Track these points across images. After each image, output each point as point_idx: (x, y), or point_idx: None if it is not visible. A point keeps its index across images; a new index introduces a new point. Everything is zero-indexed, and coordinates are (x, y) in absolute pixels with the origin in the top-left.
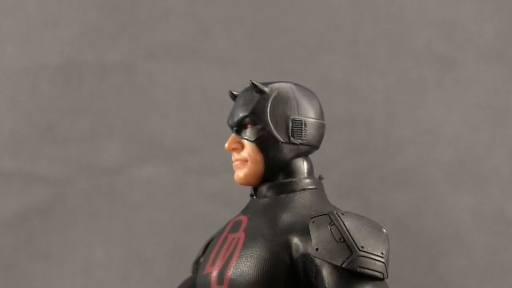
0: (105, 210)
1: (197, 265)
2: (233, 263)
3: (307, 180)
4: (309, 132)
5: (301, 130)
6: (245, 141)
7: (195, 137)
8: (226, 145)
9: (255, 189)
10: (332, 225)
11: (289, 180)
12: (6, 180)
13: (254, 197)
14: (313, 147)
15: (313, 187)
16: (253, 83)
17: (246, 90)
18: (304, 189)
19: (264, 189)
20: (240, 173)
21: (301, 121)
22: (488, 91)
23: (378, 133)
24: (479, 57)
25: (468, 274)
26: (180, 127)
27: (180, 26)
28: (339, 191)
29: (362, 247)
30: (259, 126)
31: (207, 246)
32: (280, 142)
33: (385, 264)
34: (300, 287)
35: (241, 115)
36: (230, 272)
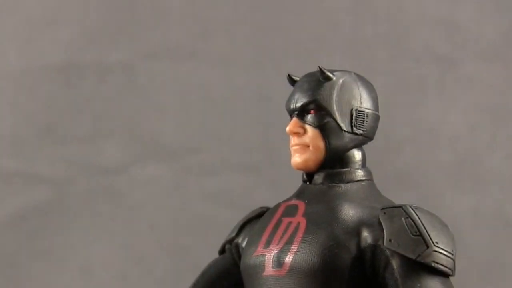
0: (105, 210)
1: (231, 245)
2: (295, 247)
3: (363, 171)
4: (369, 124)
5: (363, 120)
6: (308, 126)
7: (195, 137)
8: (288, 127)
9: (310, 175)
10: (407, 218)
11: (347, 169)
12: (6, 180)
13: (308, 183)
14: (369, 138)
15: (368, 178)
16: (321, 70)
17: (310, 75)
18: (361, 180)
19: (321, 176)
20: (299, 158)
21: (364, 112)
22: (488, 91)
23: (378, 133)
24: (479, 57)
25: (468, 274)
26: (180, 127)
27: (180, 26)
28: None
29: (437, 243)
30: (323, 113)
31: (242, 227)
32: (343, 131)
33: (454, 262)
34: (365, 277)
35: (306, 100)
36: (292, 257)
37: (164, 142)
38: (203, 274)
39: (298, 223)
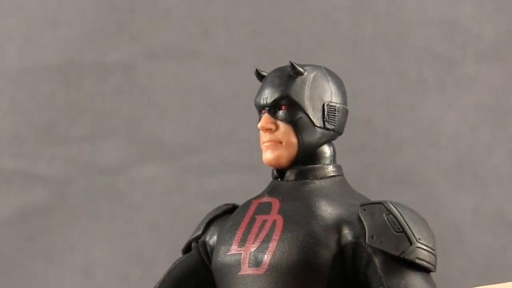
0: (105, 210)
1: (197, 243)
2: (273, 246)
3: (334, 167)
4: (339, 118)
5: (334, 115)
6: (280, 122)
7: (195, 137)
8: (260, 124)
9: (282, 171)
10: (388, 214)
11: (319, 165)
12: (6, 180)
13: (279, 179)
14: (339, 133)
15: (339, 174)
16: (292, 64)
17: (279, 70)
18: (333, 176)
19: (294, 172)
20: (271, 154)
21: (335, 106)
22: (488, 91)
23: (378, 133)
24: (479, 57)
25: (468, 274)
26: (180, 127)
27: (180, 26)
28: None
29: (419, 239)
30: (296, 108)
31: (208, 224)
32: (315, 127)
33: (436, 257)
34: (345, 275)
35: (278, 95)
36: (270, 255)
37: (164, 142)
38: (169, 272)
39: (274, 221)
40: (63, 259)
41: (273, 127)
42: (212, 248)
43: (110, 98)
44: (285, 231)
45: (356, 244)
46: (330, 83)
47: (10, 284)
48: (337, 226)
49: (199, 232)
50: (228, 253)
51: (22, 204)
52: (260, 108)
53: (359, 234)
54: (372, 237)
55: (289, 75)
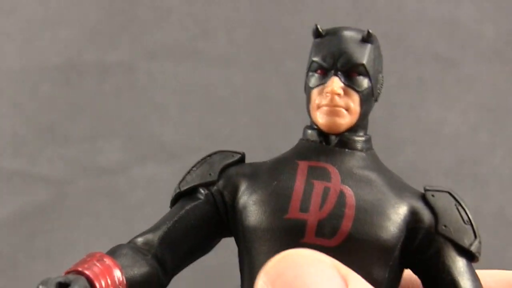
0: (105, 210)
1: (209, 190)
2: (348, 219)
3: (371, 140)
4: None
5: (381, 88)
6: (350, 90)
7: (195, 137)
8: (332, 87)
9: (327, 136)
10: (458, 205)
11: (367, 136)
12: (6, 180)
13: (323, 143)
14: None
15: (372, 146)
16: (369, 32)
17: (348, 31)
18: (372, 148)
19: (342, 139)
20: (335, 120)
21: (383, 79)
22: (488, 91)
23: (378, 133)
24: (479, 57)
25: None
26: (180, 127)
27: (180, 26)
28: None
29: (479, 234)
30: (366, 78)
31: (222, 170)
32: (372, 98)
33: None
34: (404, 254)
35: (355, 61)
36: (347, 228)
37: (164, 142)
38: (180, 219)
39: (341, 191)
40: (63, 259)
41: (342, 92)
42: (234, 200)
43: (110, 98)
44: (358, 206)
45: (426, 230)
46: (381, 53)
47: (10, 284)
48: (407, 207)
49: (212, 179)
50: (285, 217)
51: (22, 204)
52: (326, 68)
53: (430, 220)
54: (445, 226)
55: (361, 41)
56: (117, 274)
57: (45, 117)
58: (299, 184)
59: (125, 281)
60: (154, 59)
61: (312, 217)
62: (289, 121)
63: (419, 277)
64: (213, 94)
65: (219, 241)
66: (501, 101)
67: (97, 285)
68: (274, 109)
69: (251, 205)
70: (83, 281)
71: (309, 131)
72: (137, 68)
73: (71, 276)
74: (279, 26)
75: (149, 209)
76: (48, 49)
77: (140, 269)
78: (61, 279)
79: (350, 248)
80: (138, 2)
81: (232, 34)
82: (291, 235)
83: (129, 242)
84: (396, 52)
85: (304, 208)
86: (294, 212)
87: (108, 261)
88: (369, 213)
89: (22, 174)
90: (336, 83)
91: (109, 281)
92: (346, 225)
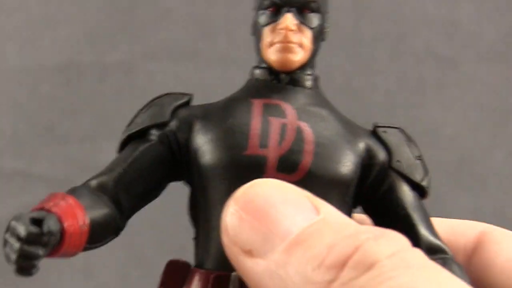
0: None
1: (163, 131)
2: (309, 155)
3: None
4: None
5: (329, 28)
6: (303, 26)
7: None
8: (285, 23)
9: (277, 73)
10: (409, 141)
11: (316, 74)
12: (6, 180)
13: (275, 81)
14: None
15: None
16: None
17: None
18: (318, 87)
19: (293, 77)
20: (294, 57)
21: (329, 20)
22: (488, 91)
23: None
24: (479, 57)
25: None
26: None
27: (180, 26)
28: None
29: (428, 169)
30: (317, 15)
31: (174, 111)
32: (322, 36)
33: None
34: (359, 191)
35: None
36: (308, 164)
37: None
38: (133, 162)
39: (298, 127)
40: (63, 259)
41: (295, 28)
42: (188, 140)
43: (110, 98)
44: (317, 141)
45: (380, 166)
46: None
47: (10, 284)
48: (361, 143)
49: (164, 119)
50: (244, 153)
51: (22, 204)
52: (279, 5)
53: (384, 156)
54: (398, 161)
55: None
56: (81, 213)
57: (45, 117)
58: (256, 121)
59: (87, 221)
60: (154, 59)
61: (271, 153)
62: None
63: (370, 215)
64: (213, 94)
65: (167, 185)
66: (501, 101)
67: (65, 223)
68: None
69: (207, 143)
70: (54, 217)
71: (258, 71)
72: (137, 68)
73: (43, 212)
74: None
75: (149, 209)
76: (48, 49)
77: (99, 210)
78: (34, 215)
79: (311, 183)
80: (138, 2)
81: (232, 34)
82: (252, 171)
83: (83, 184)
84: (396, 52)
85: (263, 144)
86: (253, 148)
87: (71, 200)
88: (327, 148)
89: (22, 174)
90: (290, 20)
91: (75, 220)
92: (307, 160)
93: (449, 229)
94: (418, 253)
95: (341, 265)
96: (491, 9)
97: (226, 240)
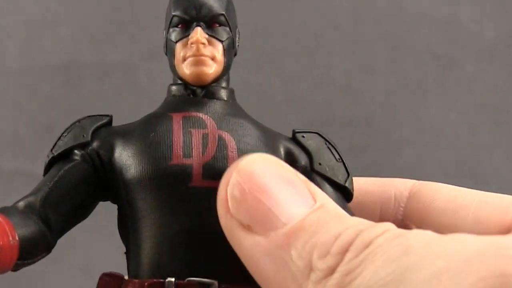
0: (105, 210)
1: (84, 151)
2: (233, 159)
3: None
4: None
5: (239, 42)
6: (213, 39)
7: None
8: (196, 36)
9: (193, 88)
10: (329, 144)
11: (230, 87)
12: (6, 180)
13: (190, 96)
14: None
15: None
16: None
17: None
18: (235, 100)
19: (208, 90)
20: (202, 69)
21: (239, 33)
22: (488, 91)
23: (378, 133)
24: (479, 57)
25: None
26: None
27: None
28: None
29: (350, 170)
30: (226, 28)
31: (94, 131)
32: (234, 49)
33: None
34: None
35: (216, 11)
36: None
37: None
38: (59, 181)
39: (220, 136)
40: (63, 259)
41: (206, 42)
42: (111, 158)
43: (110, 98)
44: (239, 148)
45: (303, 170)
46: (234, 7)
47: (10, 284)
48: (282, 149)
49: (85, 140)
50: (169, 163)
51: None
52: (188, 21)
53: (305, 160)
54: (320, 164)
55: None
56: (10, 229)
57: (45, 117)
58: (177, 133)
59: (17, 237)
60: (154, 59)
61: (196, 161)
62: (289, 121)
63: None
64: None
65: (96, 204)
66: (501, 101)
67: None
68: (274, 109)
69: (130, 157)
70: None
71: (174, 87)
72: (137, 68)
73: None
74: (279, 26)
75: None
76: (48, 49)
77: (28, 228)
78: None
79: None
80: (138, 2)
81: None
82: (179, 180)
83: (12, 205)
84: (396, 52)
85: (187, 154)
86: (177, 158)
87: (0, 218)
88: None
89: (22, 174)
90: (200, 33)
91: (4, 235)
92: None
93: (379, 182)
94: (403, 230)
95: (344, 251)
96: (491, 9)
97: (223, 211)
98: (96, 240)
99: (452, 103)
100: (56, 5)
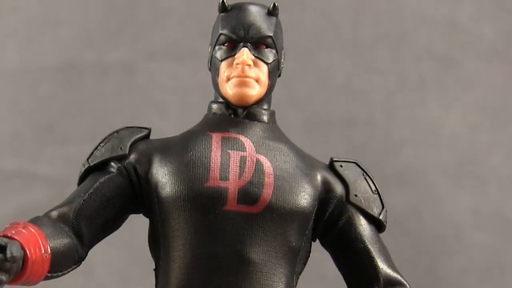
0: None
1: (121, 164)
2: (269, 188)
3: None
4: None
5: (283, 63)
6: (259, 61)
7: None
8: (243, 58)
9: (235, 108)
10: (366, 175)
11: (272, 110)
12: (6, 180)
13: (231, 116)
14: None
15: None
16: (275, 4)
17: (254, 5)
18: (275, 122)
19: (250, 111)
20: (251, 91)
21: (285, 55)
22: (488, 91)
23: (378, 133)
24: (479, 57)
25: (468, 274)
26: (180, 127)
27: (180, 26)
28: None
29: (385, 203)
30: (273, 51)
31: (133, 144)
32: (278, 72)
33: None
34: (317, 224)
35: (264, 33)
36: (268, 196)
37: None
38: (94, 192)
39: (258, 160)
40: None
41: (252, 63)
42: (147, 173)
43: (110, 98)
44: (276, 174)
45: (338, 200)
46: (282, 29)
47: (10, 284)
48: (318, 177)
49: (123, 152)
50: (205, 185)
51: (22, 203)
52: (235, 40)
53: (342, 190)
54: (356, 195)
55: (267, 14)
56: (43, 242)
57: (45, 117)
58: (215, 154)
59: (49, 250)
60: (154, 59)
61: (232, 185)
62: (289, 121)
63: (329, 249)
64: (213, 94)
65: (127, 216)
66: (501, 101)
67: (27, 251)
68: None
69: (167, 175)
70: (17, 244)
71: (215, 105)
72: (137, 68)
73: (5, 239)
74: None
75: None
76: (48, 49)
77: (61, 240)
78: None
79: (271, 215)
80: (138, 2)
81: None
82: (213, 203)
83: (45, 214)
84: (396, 52)
85: (223, 177)
86: (214, 180)
87: (33, 229)
88: (287, 181)
89: (22, 174)
90: (246, 54)
91: (36, 248)
92: (267, 192)
93: None
94: None
95: None
96: (491, 9)
97: None
98: None
99: (452, 103)
100: (56, 5)
